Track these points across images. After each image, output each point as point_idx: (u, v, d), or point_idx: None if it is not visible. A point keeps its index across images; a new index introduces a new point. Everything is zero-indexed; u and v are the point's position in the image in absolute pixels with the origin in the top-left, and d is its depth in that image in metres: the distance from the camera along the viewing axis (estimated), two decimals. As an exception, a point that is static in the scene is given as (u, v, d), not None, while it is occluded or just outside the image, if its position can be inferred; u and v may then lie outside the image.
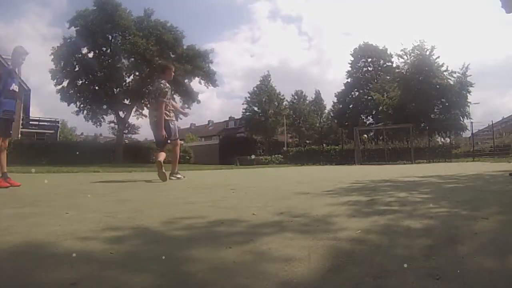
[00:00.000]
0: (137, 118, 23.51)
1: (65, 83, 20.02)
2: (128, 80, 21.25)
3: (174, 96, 22.01)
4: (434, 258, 0.99)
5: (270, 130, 35.88)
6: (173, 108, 4.98)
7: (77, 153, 15.17)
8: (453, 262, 0.96)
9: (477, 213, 1.71)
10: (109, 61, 20.07)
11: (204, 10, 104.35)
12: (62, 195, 2.93)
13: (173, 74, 5.10)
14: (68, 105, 20.39)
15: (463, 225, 1.44)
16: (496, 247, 1.11)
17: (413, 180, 4.17)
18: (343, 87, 40.19)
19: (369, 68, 39.77)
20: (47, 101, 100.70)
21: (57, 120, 30.50)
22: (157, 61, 19.16)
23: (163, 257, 1.01)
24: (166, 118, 4.71)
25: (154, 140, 5.12)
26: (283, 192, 3.09)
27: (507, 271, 0.90)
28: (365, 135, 21.83)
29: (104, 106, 21.04)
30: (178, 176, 4.83)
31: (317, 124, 42.93)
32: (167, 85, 4.80)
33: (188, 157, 23.88)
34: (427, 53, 24.09)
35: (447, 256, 1.01)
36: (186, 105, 22.58)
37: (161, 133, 4.63)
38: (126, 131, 24.18)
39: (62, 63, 19.63)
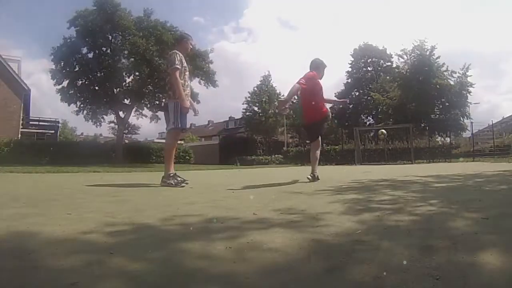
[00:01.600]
0: (137, 118, 23.37)
1: (65, 83, 20.00)
2: (128, 80, 21.19)
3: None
4: (434, 258, 0.99)
5: (270, 130, 35.84)
6: (188, 83, 4.06)
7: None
8: (453, 262, 0.96)
9: (477, 213, 1.71)
10: (109, 61, 20.02)
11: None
12: (62, 195, 2.93)
13: (190, 46, 4.18)
14: (69, 105, 20.36)
15: (463, 225, 1.44)
16: (496, 247, 1.11)
17: (412, 180, 4.16)
18: (343, 87, 40.18)
19: (369, 68, 39.72)
20: (47, 101, 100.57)
21: (57, 120, 30.49)
22: (157, 61, 19.14)
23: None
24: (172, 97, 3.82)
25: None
26: (283, 192, 3.08)
27: (507, 271, 0.90)
28: None
29: (104, 106, 21.02)
30: (178, 179, 3.75)
31: (317, 124, 42.85)
32: (178, 53, 3.89)
33: (188, 157, 23.86)
34: (427, 53, 24.07)
35: (448, 256, 1.01)
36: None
37: (184, 104, 3.76)
38: (126, 131, 24.18)
39: (62, 63, 19.61)
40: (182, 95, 3.78)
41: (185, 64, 3.98)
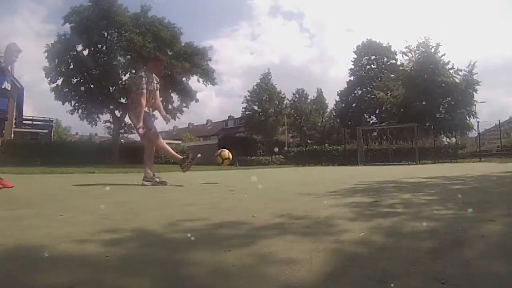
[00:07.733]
0: (134, 118, 23.40)
1: (59, 81, 20.01)
2: (124, 78, 21.19)
3: (172, 94, 21.95)
4: (439, 261, 0.99)
5: (270, 130, 35.85)
6: (158, 103, 4.40)
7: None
8: (459, 265, 0.96)
9: (484, 215, 1.71)
10: (105, 58, 20.01)
11: (202, 6, 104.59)
12: (57, 196, 2.93)
13: (162, 68, 4.57)
14: (63, 104, 20.39)
15: (469, 228, 1.44)
16: (503, 250, 1.11)
17: (417, 181, 4.17)
18: (346, 86, 40.16)
19: (372, 66, 39.67)
20: (41, 99, 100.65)
21: (51, 119, 30.53)
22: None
23: (161, 261, 1.01)
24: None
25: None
26: (284, 193, 3.08)
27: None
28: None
29: (100, 105, 20.98)
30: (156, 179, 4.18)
31: (319, 124, 42.90)
32: (146, 75, 4.18)
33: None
34: (432, 50, 24.06)
35: (453, 260, 1.01)
36: (184, 104, 22.59)
37: (138, 131, 4.12)
38: (122, 130, 24.13)
39: (56, 61, 19.61)
40: (140, 123, 4.07)
41: (155, 83, 4.27)
